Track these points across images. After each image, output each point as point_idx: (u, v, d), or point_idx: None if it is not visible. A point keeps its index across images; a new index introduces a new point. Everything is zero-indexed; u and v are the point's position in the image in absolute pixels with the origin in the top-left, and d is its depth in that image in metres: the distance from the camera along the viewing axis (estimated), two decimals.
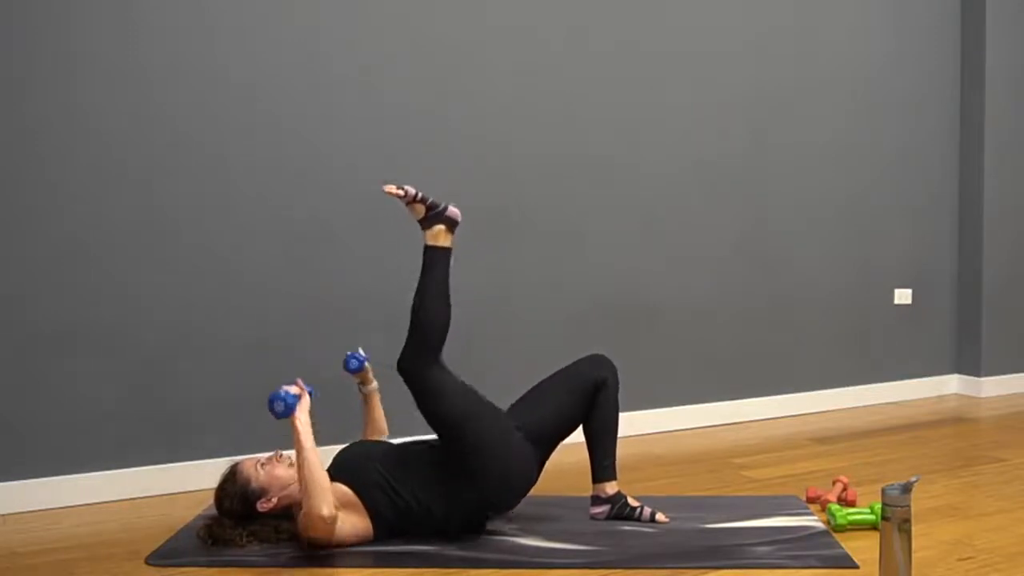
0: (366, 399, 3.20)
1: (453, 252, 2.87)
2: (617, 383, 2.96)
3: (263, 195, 3.50)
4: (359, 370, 3.15)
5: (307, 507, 2.52)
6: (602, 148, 4.18)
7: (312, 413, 2.70)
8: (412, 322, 2.78)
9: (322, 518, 2.51)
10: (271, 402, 2.65)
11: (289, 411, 2.64)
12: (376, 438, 3.17)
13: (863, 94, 4.88)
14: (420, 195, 2.83)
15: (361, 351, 3.17)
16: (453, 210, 2.86)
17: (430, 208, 2.84)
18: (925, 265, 5.12)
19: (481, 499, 2.74)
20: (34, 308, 3.15)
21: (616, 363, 3.04)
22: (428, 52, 3.79)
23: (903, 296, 5.05)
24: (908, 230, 5.06)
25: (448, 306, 2.81)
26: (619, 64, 4.20)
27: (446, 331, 2.80)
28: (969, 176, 5.17)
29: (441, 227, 2.85)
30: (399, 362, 2.79)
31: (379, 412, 3.21)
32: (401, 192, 2.80)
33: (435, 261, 2.82)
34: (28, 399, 3.14)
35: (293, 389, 2.69)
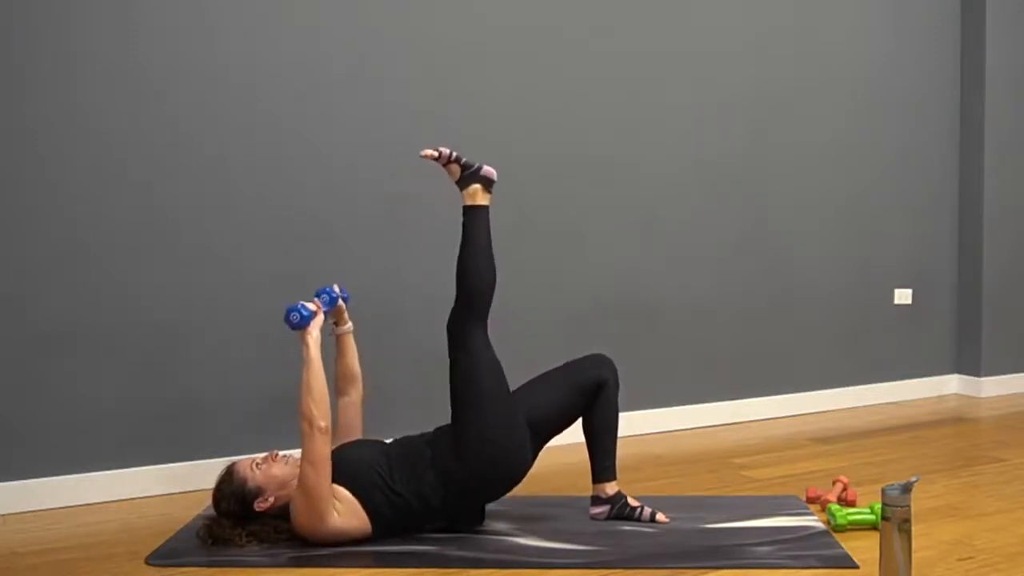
0: (338, 342, 3.07)
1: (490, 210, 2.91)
2: (617, 383, 2.97)
3: (263, 195, 3.50)
4: (331, 307, 2.93)
5: (304, 412, 2.59)
6: (602, 148, 4.18)
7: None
8: (459, 284, 2.82)
9: (318, 427, 2.58)
10: (288, 313, 2.73)
11: (304, 323, 2.72)
12: (352, 389, 3.08)
13: (863, 94, 4.88)
14: (455, 155, 2.90)
15: (336, 287, 2.97)
16: (488, 169, 2.91)
17: (465, 168, 2.90)
18: (925, 265, 5.12)
19: (476, 481, 2.74)
20: (34, 308, 3.15)
21: (616, 363, 3.04)
22: (428, 52, 3.79)
23: (903, 296, 5.05)
24: (908, 230, 5.06)
25: (493, 265, 2.86)
26: (619, 64, 4.20)
27: (492, 290, 2.85)
28: (969, 176, 5.17)
29: (477, 186, 2.89)
30: (448, 323, 2.83)
31: (352, 355, 3.08)
32: (436, 154, 2.88)
33: (475, 220, 2.87)
34: (28, 399, 3.14)
35: (310, 305, 2.76)
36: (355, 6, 3.64)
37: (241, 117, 3.45)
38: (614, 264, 4.22)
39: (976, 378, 5.12)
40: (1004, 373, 5.18)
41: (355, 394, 3.09)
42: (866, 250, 4.93)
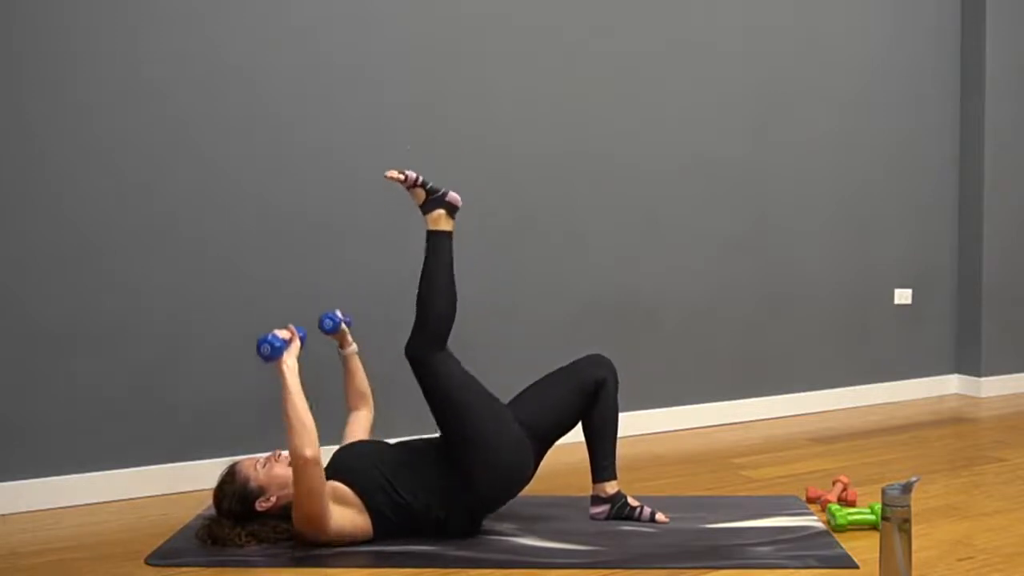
0: (345, 363, 3.13)
1: (454, 235, 2.89)
2: (617, 383, 2.97)
3: (263, 195, 3.50)
4: (334, 331, 3.06)
5: (290, 446, 2.53)
6: (602, 148, 4.18)
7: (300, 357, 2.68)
8: (418, 309, 2.80)
9: (305, 458, 2.51)
10: (259, 345, 2.63)
11: (277, 354, 2.62)
12: (364, 406, 3.13)
13: (863, 94, 4.88)
14: (420, 179, 2.88)
15: (339, 312, 3.08)
16: (453, 195, 2.90)
17: (430, 193, 2.88)
18: (925, 265, 5.12)
19: (478, 494, 2.74)
20: (34, 308, 3.15)
21: (616, 363, 3.04)
22: (428, 52, 3.79)
23: (903, 296, 5.05)
24: (908, 230, 5.06)
25: (454, 291, 2.83)
26: (619, 64, 4.20)
27: (453, 316, 2.82)
28: (969, 176, 5.17)
29: (441, 211, 2.88)
30: (407, 349, 2.80)
31: (361, 376, 3.14)
32: (402, 177, 2.85)
33: (437, 246, 2.85)
34: (28, 399, 3.14)
35: (282, 333, 2.69)
36: (355, 6, 3.64)
37: (241, 117, 3.45)
38: (614, 264, 4.22)
39: (976, 378, 5.12)
40: (1004, 373, 5.18)
41: (366, 411, 3.15)
42: (866, 250, 4.93)
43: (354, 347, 3.15)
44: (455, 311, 2.83)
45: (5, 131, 3.10)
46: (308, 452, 2.53)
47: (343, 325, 3.09)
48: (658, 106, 4.31)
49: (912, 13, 5.03)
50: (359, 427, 3.11)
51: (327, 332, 3.08)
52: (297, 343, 2.70)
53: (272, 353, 2.63)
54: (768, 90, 4.60)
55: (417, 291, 2.82)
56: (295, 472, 2.55)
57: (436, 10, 3.80)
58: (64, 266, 3.19)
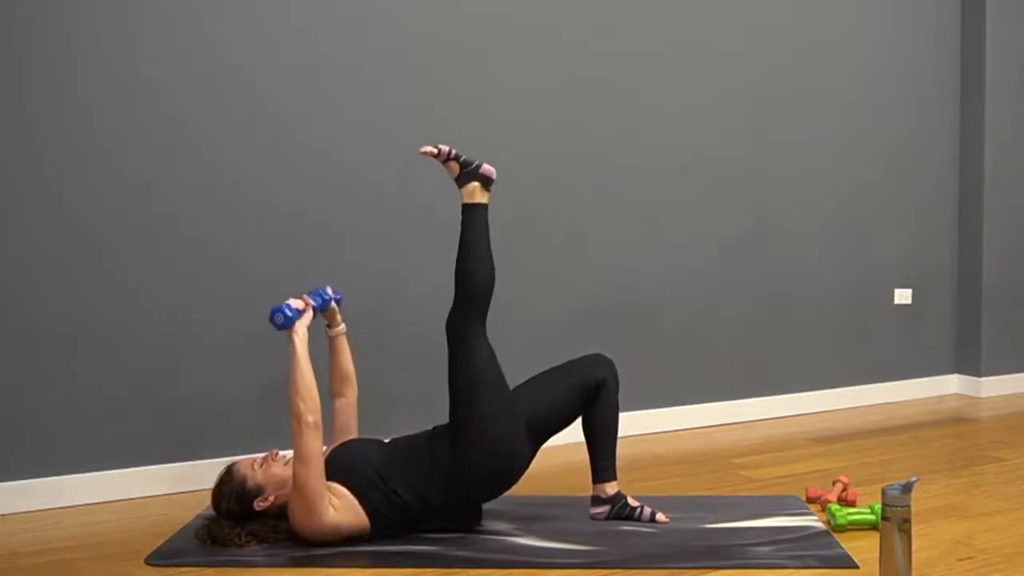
0: (332, 343, 3.07)
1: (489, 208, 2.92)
2: (617, 383, 2.97)
3: (263, 195, 3.50)
4: (324, 309, 2.94)
5: (293, 409, 2.59)
6: (602, 148, 4.18)
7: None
8: (459, 283, 2.83)
9: (306, 422, 2.57)
10: (272, 313, 2.70)
11: (289, 323, 2.69)
12: (348, 390, 3.08)
13: (863, 94, 4.88)
14: (454, 152, 2.89)
15: (329, 289, 2.97)
16: (487, 167, 2.91)
17: (464, 166, 2.90)
18: (925, 265, 5.12)
19: (472, 476, 2.74)
20: (34, 308, 3.15)
21: (616, 363, 3.04)
22: (428, 52, 3.79)
23: (903, 296, 5.05)
24: (908, 230, 5.06)
25: (492, 264, 2.86)
26: (619, 64, 4.20)
27: (492, 288, 2.85)
28: (969, 176, 5.17)
29: (476, 184, 2.90)
30: (449, 321, 2.83)
31: (347, 358, 3.08)
32: (436, 151, 2.87)
33: (473, 218, 2.87)
34: (28, 399, 3.14)
35: (296, 303, 2.75)
36: (355, 6, 3.64)
37: (241, 117, 3.45)
38: (614, 264, 4.22)
39: (976, 378, 5.12)
40: (1004, 373, 5.18)
41: (350, 395, 3.09)
42: (866, 250, 4.93)
43: (343, 327, 3.07)
44: (494, 282, 2.86)
45: (5, 131, 3.10)
46: (310, 417, 2.58)
47: (333, 303, 3.00)
48: (658, 106, 4.31)
49: (912, 13, 5.03)
50: (347, 415, 3.05)
51: (320, 310, 2.93)
52: (310, 313, 2.77)
53: (285, 322, 2.70)
54: (768, 90, 4.60)
55: (456, 265, 2.83)
56: (294, 437, 2.58)
57: (436, 10, 3.80)
58: (64, 266, 3.19)
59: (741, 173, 4.53)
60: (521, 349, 3.93)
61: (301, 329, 2.71)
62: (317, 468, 2.59)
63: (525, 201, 4.00)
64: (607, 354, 3.18)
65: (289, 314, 2.70)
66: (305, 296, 2.82)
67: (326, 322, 3.06)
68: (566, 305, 4.10)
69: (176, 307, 3.36)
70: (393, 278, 3.70)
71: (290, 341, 2.69)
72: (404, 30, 3.73)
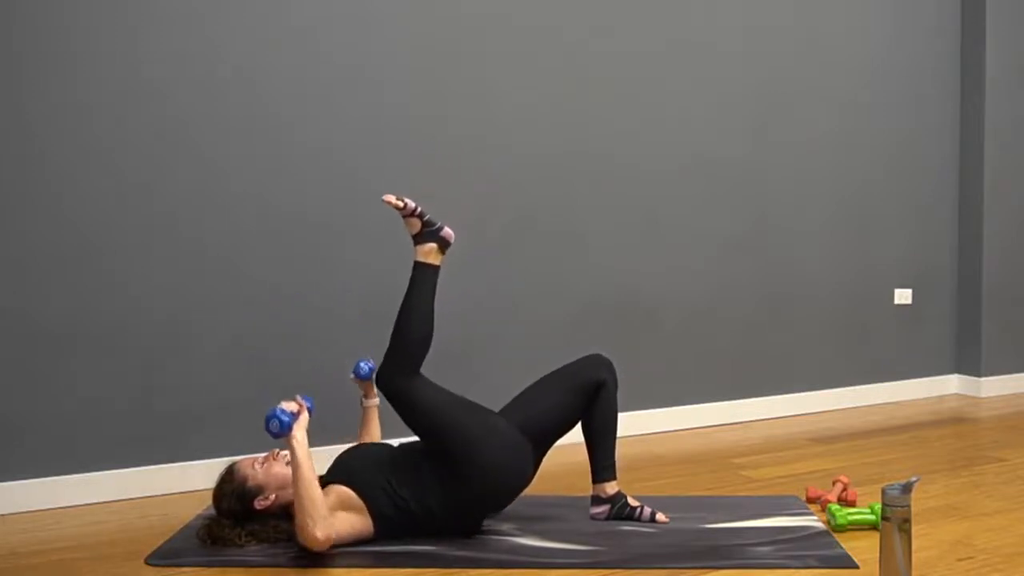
0: (365, 413, 3.18)
1: (440, 271, 2.89)
2: (616, 384, 2.97)
3: (263, 195, 3.50)
4: (368, 378, 3.12)
5: (301, 526, 2.50)
6: (602, 148, 4.18)
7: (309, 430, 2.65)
8: (393, 338, 2.79)
9: (316, 539, 2.49)
10: (267, 421, 2.58)
11: (285, 429, 2.57)
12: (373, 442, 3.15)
13: (863, 94, 4.88)
14: (419, 210, 2.86)
15: (372, 361, 3.12)
16: (448, 231, 2.89)
17: (426, 225, 2.86)
18: (925, 265, 5.12)
19: (477, 498, 2.75)
20: (34, 308, 3.15)
21: (616, 363, 3.04)
22: (428, 52, 3.79)
23: (903, 296, 5.05)
24: (908, 230, 5.06)
25: (432, 322, 2.81)
26: (619, 64, 4.20)
27: (428, 345, 2.81)
28: (969, 176, 5.17)
29: (433, 245, 2.87)
30: (378, 379, 2.79)
31: (375, 427, 3.19)
32: (400, 204, 2.83)
33: (423, 279, 2.84)
34: (28, 399, 3.14)
35: (290, 406, 2.64)
36: (355, 6, 3.64)
37: (241, 117, 3.45)
38: (614, 264, 4.22)
39: (976, 378, 5.12)
40: (1004, 373, 5.18)
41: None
42: (866, 250, 4.93)
43: (376, 400, 3.17)
44: (431, 340, 2.81)
45: (5, 131, 3.10)
46: (320, 534, 2.48)
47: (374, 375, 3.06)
48: (658, 106, 4.31)
49: (912, 13, 5.03)
50: (374, 428, 3.19)
51: (362, 378, 3.13)
52: (305, 415, 2.65)
53: (281, 429, 2.57)
54: (768, 90, 4.60)
55: (396, 320, 2.80)
56: (306, 542, 2.50)
57: (436, 10, 3.80)
58: (64, 266, 3.19)
59: (741, 173, 4.53)
60: (521, 349, 3.93)
61: (300, 434, 2.58)
62: (327, 546, 2.54)
63: (525, 201, 4.00)
64: (607, 354, 3.18)
65: (285, 419, 2.57)
66: (298, 397, 2.72)
67: (361, 392, 3.19)
68: (566, 305, 4.10)
69: (176, 307, 3.36)
70: (393, 278, 3.69)
71: (289, 448, 2.57)
72: (404, 30, 3.73)
